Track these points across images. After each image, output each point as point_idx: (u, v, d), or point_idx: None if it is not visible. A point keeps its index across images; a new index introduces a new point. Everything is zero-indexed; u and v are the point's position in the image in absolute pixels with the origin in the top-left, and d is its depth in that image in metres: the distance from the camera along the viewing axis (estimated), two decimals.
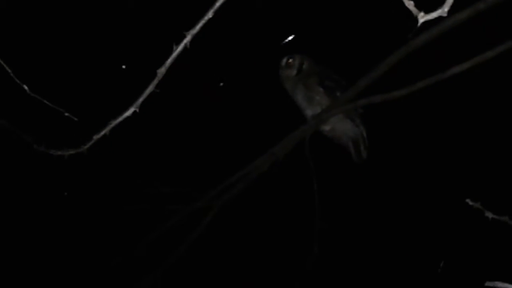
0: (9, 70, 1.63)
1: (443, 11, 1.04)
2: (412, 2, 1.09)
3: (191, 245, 2.86)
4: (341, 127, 2.96)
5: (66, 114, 1.73)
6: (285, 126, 2.88)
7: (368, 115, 2.98)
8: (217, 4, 1.28)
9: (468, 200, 1.46)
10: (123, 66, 3.55)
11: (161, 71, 1.36)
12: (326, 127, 2.95)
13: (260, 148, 2.84)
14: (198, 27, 1.31)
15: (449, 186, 3.48)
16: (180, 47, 1.33)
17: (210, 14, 1.29)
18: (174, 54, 1.34)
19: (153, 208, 2.84)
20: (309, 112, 2.94)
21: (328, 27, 3.64)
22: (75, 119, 1.72)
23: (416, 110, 3.43)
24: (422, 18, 1.07)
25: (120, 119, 1.44)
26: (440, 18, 2.33)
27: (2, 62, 1.63)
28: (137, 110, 1.42)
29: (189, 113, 3.71)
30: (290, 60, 2.98)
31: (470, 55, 2.52)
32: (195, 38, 1.33)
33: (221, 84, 3.76)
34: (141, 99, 1.41)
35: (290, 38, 3.70)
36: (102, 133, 1.48)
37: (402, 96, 2.65)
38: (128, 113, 1.43)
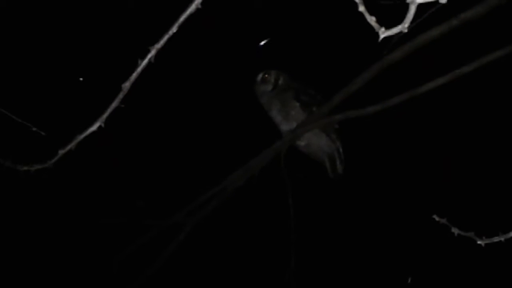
0: None
1: (403, 26, 1.04)
2: (374, 18, 1.09)
3: (166, 261, 2.83)
4: (317, 142, 2.96)
5: (34, 129, 1.71)
6: (260, 141, 2.87)
7: (344, 130, 2.98)
8: (182, 19, 1.27)
9: (435, 216, 1.46)
10: (81, 79, 3.53)
11: (126, 85, 1.35)
12: (302, 142, 2.95)
13: (236, 163, 2.82)
14: (162, 41, 1.30)
15: (417, 201, 3.49)
16: (145, 62, 1.32)
17: (174, 29, 1.28)
18: (139, 68, 1.33)
19: (127, 222, 2.81)
20: (284, 127, 2.94)
21: (301, 40, 3.64)
22: (43, 133, 1.71)
23: (390, 125, 3.44)
24: (383, 33, 1.07)
25: (86, 133, 1.43)
26: (415, 34, 2.35)
27: None
28: (103, 124, 1.41)
29: (163, 128, 3.69)
30: (266, 76, 2.98)
31: (445, 71, 2.54)
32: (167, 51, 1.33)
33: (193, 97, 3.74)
34: (106, 114, 1.40)
35: (265, 41, 3.70)
36: (68, 147, 1.46)
37: (377, 112, 2.66)
38: (94, 127, 1.42)
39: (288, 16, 3.58)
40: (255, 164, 2.84)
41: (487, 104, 3.58)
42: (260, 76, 2.99)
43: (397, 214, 3.65)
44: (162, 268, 2.81)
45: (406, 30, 1.05)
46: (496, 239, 1.38)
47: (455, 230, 1.43)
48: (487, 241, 1.39)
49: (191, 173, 3.58)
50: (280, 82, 2.99)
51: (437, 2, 1.03)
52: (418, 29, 2.53)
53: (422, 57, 2.62)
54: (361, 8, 1.10)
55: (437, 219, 1.46)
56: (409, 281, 3.64)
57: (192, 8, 1.27)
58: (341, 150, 2.98)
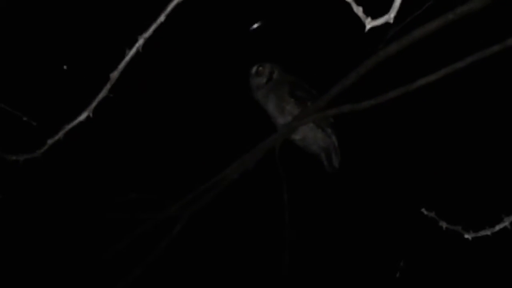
0: None
1: (389, 17, 1.03)
2: (361, 8, 1.09)
3: (161, 254, 2.83)
4: (312, 136, 2.96)
5: (25, 118, 1.71)
6: (255, 134, 2.87)
7: (339, 124, 2.97)
8: (169, 8, 1.27)
9: (423, 210, 1.46)
10: (64, 67, 3.52)
11: (114, 75, 1.35)
12: (297, 136, 2.94)
13: (231, 156, 2.82)
14: (150, 30, 1.30)
15: (407, 195, 3.50)
16: (132, 51, 1.32)
17: (162, 18, 1.28)
18: (127, 58, 1.33)
19: (120, 215, 2.81)
20: (280, 121, 2.94)
21: (295, 33, 3.64)
22: (34, 123, 1.70)
23: (384, 119, 3.44)
24: (369, 24, 1.06)
25: (74, 123, 1.43)
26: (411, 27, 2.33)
27: None
28: (91, 114, 1.40)
29: (157, 119, 3.69)
30: (260, 68, 2.98)
31: (440, 66, 2.53)
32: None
33: (190, 89, 3.73)
34: (94, 104, 1.40)
35: (257, 25, 3.69)
36: (56, 137, 1.46)
37: (372, 106, 2.65)
38: (82, 117, 1.42)
39: (282, 8, 3.57)
40: (250, 157, 2.83)
41: (477, 98, 3.58)
42: (254, 69, 2.99)
43: (388, 208, 3.66)
44: (156, 261, 2.81)
45: (391, 21, 1.05)
46: (482, 233, 1.38)
47: (443, 224, 1.43)
48: (474, 235, 1.39)
49: (185, 166, 3.58)
50: (275, 75, 2.99)
51: None
52: (414, 22, 2.53)
53: (417, 51, 2.61)
54: None
55: (425, 212, 1.45)
56: (398, 273, 3.64)
57: None
58: (336, 144, 2.98)
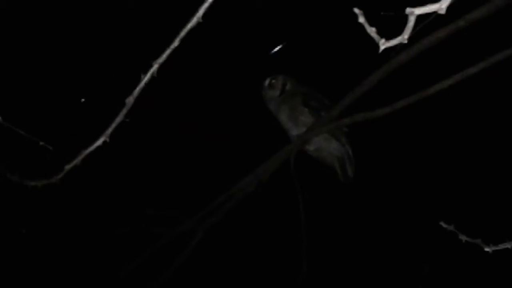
0: None
1: (403, 38, 1.04)
2: (374, 29, 1.10)
3: (179, 269, 2.83)
4: (326, 146, 2.96)
5: (41, 143, 1.72)
6: (269, 146, 2.87)
7: (354, 133, 2.97)
8: (183, 33, 1.28)
9: (442, 223, 1.46)
10: (82, 100, 3.54)
11: (130, 100, 1.36)
12: (311, 147, 2.95)
13: (245, 169, 2.82)
14: (164, 56, 1.31)
15: (425, 207, 3.48)
16: (147, 76, 1.33)
17: (176, 43, 1.29)
18: (142, 83, 1.34)
19: (139, 231, 2.82)
20: (294, 132, 2.94)
21: (306, 45, 3.64)
22: (50, 148, 1.71)
23: (399, 127, 3.43)
24: (383, 45, 1.07)
25: (91, 149, 1.44)
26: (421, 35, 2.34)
27: None
28: (107, 139, 1.42)
29: (171, 135, 3.70)
30: (273, 81, 2.99)
31: (452, 72, 2.53)
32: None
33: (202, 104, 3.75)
34: (110, 129, 1.41)
35: (279, 47, 3.70)
36: (74, 163, 1.47)
37: (386, 114, 2.65)
38: (99, 142, 1.43)
39: (291, 20, 3.58)
40: (264, 169, 2.84)
41: (498, 106, 3.56)
42: (267, 81, 2.99)
43: (406, 219, 3.64)
44: (174, 276, 2.81)
45: (406, 41, 1.05)
46: (503, 246, 1.37)
47: (463, 237, 1.43)
48: (495, 248, 1.38)
49: (200, 180, 3.59)
50: (287, 87, 2.99)
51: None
52: (424, 31, 2.53)
53: (429, 59, 2.61)
54: (361, 19, 1.10)
55: (444, 225, 1.45)
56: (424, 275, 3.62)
57: (193, 22, 1.27)
58: (351, 153, 2.98)
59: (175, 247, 2.81)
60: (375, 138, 3.41)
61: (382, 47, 1.06)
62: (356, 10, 1.10)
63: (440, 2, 0.98)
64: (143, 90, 1.35)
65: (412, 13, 1.00)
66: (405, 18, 1.05)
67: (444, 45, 2.51)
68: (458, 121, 3.60)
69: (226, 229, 2.96)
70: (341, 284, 3.76)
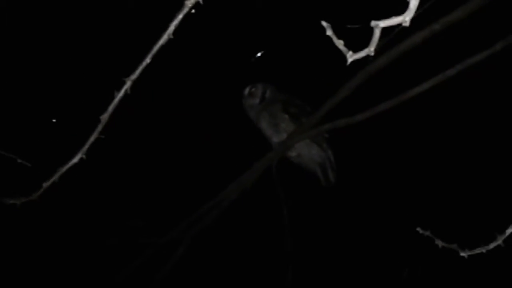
0: None
1: (369, 50, 1.05)
2: (342, 42, 1.11)
3: (166, 277, 2.84)
4: (308, 152, 2.97)
5: (19, 160, 1.72)
6: (252, 154, 2.88)
7: (335, 138, 2.99)
8: (155, 49, 1.28)
9: (418, 229, 1.48)
10: (53, 120, 3.54)
11: (104, 117, 1.36)
12: (293, 153, 2.96)
13: (229, 178, 2.83)
14: (137, 72, 1.31)
15: (403, 214, 3.51)
16: (121, 93, 1.33)
17: (148, 59, 1.30)
18: (116, 100, 1.34)
19: (125, 243, 2.82)
20: (275, 139, 2.95)
21: (285, 51, 3.66)
22: (29, 165, 1.72)
23: (379, 131, 3.46)
24: (350, 57, 1.08)
25: (68, 166, 1.44)
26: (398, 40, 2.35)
27: None
28: (84, 156, 1.42)
29: (153, 146, 3.71)
30: (253, 89, 3.00)
31: (430, 75, 2.55)
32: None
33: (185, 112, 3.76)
34: (86, 146, 1.41)
35: (259, 54, 3.71)
36: (51, 180, 1.47)
37: (365, 119, 2.67)
38: (75, 159, 1.43)
39: (271, 28, 3.59)
40: (247, 177, 2.85)
41: (473, 109, 3.59)
42: (247, 90, 3.01)
43: (385, 226, 3.67)
44: (162, 284, 2.82)
45: (372, 53, 1.06)
46: (477, 250, 1.39)
47: (439, 242, 1.45)
48: (470, 252, 1.41)
49: (184, 190, 3.59)
50: (267, 94, 3.00)
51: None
52: (402, 35, 2.55)
53: (407, 63, 2.63)
54: (329, 32, 1.12)
55: (421, 231, 1.47)
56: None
57: (164, 39, 1.28)
58: (332, 158, 2.99)
59: (163, 256, 2.81)
60: (356, 143, 3.43)
61: (350, 60, 1.08)
62: (324, 23, 1.11)
63: (404, 14, 1.00)
64: (118, 106, 1.36)
65: (377, 25, 1.02)
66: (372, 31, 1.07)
67: (421, 48, 2.53)
68: (436, 127, 3.63)
69: (212, 237, 2.96)
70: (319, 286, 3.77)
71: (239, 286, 3.77)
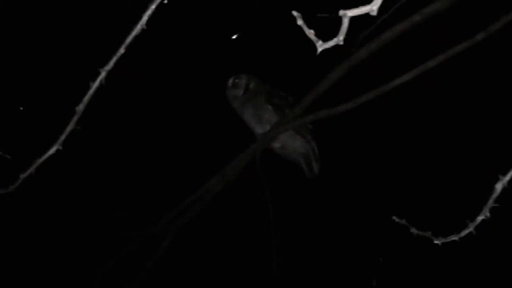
0: None
1: (338, 39, 1.06)
2: (312, 31, 1.12)
3: (151, 270, 2.84)
4: (291, 143, 2.98)
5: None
6: (235, 145, 2.89)
7: (318, 129, 3.00)
8: (128, 40, 1.29)
9: (394, 217, 1.50)
10: (21, 108, 3.53)
11: (80, 108, 1.37)
12: (276, 144, 2.96)
13: (212, 169, 2.84)
14: (112, 63, 1.32)
15: (379, 203, 3.54)
16: (96, 84, 1.34)
17: (122, 50, 1.30)
18: (91, 90, 1.35)
19: (108, 235, 2.82)
20: (258, 130, 2.95)
21: (268, 42, 3.66)
22: (8, 157, 1.72)
23: (361, 122, 3.48)
24: (320, 47, 1.09)
25: (44, 157, 1.45)
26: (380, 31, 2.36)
27: None
28: (60, 147, 1.42)
29: (138, 140, 3.70)
30: (236, 80, 2.99)
31: (411, 66, 2.56)
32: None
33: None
34: (63, 137, 1.41)
35: (237, 35, 3.71)
36: (28, 171, 1.48)
37: (348, 110, 2.68)
38: (52, 151, 1.44)
39: (253, 18, 3.59)
40: (231, 169, 2.85)
41: (450, 100, 3.61)
42: (230, 81, 3.00)
43: (362, 214, 3.70)
44: (146, 278, 2.82)
45: (341, 43, 1.07)
46: (451, 238, 1.42)
47: (414, 230, 1.47)
48: (443, 240, 1.43)
49: (167, 182, 3.59)
50: (251, 86, 3.00)
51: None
52: (383, 26, 2.57)
53: (389, 54, 2.64)
54: (300, 22, 1.12)
55: (396, 220, 1.49)
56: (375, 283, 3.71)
57: (137, 29, 1.28)
58: (316, 150, 3.00)
59: (146, 249, 2.81)
60: (339, 134, 3.44)
61: (319, 49, 1.09)
62: (295, 13, 1.12)
63: (371, 3, 1.01)
64: (94, 97, 1.36)
65: (345, 15, 1.02)
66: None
67: (403, 39, 2.54)
68: (415, 117, 3.65)
69: (196, 229, 2.96)
70: (304, 276, 3.79)
71: (224, 278, 3.78)
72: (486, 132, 3.51)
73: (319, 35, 1.13)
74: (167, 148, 3.71)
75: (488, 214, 1.38)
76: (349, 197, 3.73)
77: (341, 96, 2.66)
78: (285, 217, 2.94)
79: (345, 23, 1.04)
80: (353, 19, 1.08)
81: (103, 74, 1.33)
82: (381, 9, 1.04)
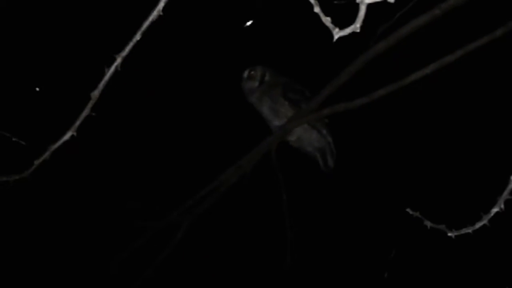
0: None
1: (355, 26, 1.05)
2: (329, 19, 1.11)
3: (165, 260, 2.85)
4: (307, 137, 2.97)
5: (14, 139, 1.73)
6: (251, 137, 2.88)
7: (334, 123, 2.98)
8: (145, 26, 1.29)
9: (408, 210, 1.49)
10: (37, 89, 3.54)
11: (95, 94, 1.37)
12: (292, 138, 2.95)
13: (228, 161, 2.84)
14: (127, 49, 1.31)
15: (393, 195, 3.53)
16: (111, 70, 1.33)
17: (138, 36, 1.30)
18: (106, 77, 1.35)
19: (122, 225, 2.83)
20: (275, 123, 2.95)
21: (285, 34, 3.65)
22: (23, 143, 1.72)
23: (378, 116, 3.46)
24: (337, 34, 1.08)
25: (59, 143, 1.45)
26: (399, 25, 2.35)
27: None
28: (75, 133, 1.42)
29: (154, 129, 3.70)
30: (252, 72, 2.99)
31: (430, 61, 2.54)
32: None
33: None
34: (78, 123, 1.41)
35: (250, 22, 3.70)
36: (43, 157, 1.48)
37: (365, 104, 2.66)
38: (66, 137, 1.44)
39: (271, 10, 3.58)
40: (247, 161, 2.85)
41: (465, 94, 3.59)
42: (246, 73, 3.00)
43: (376, 207, 3.69)
44: (160, 268, 2.83)
45: (358, 30, 1.06)
46: (464, 230, 1.41)
47: (428, 223, 1.46)
48: (457, 233, 1.42)
49: (183, 173, 3.59)
50: (266, 78, 2.99)
51: None
52: (402, 19, 2.55)
53: (407, 48, 2.63)
54: (317, 9, 1.12)
55: (410, 212, 1.48)
56: (386, 274, 3.69)
57: (154, 15, 1.28)
58: (331, 144, 2.99)
59: (161, 239, 2.82)
60: (355, 128, 3.43)
61: (336, 36, 1.08)
62: (311, 0, 1.11)
63: None
64: (108, 83, 1.36)
65: (362, 1, 1.01)
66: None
67: (421, 33, 2.52)
68: (432, 111, 3.63)
69: (210, 221, 2.97)
70: (325, 273, 3.78)
71: (238, 270, 3.78)
72: (501, 125, 3.48)
73: (335, 23, 1.12)
74: (183, 138, 3.71)
75: (502, 207, 1.37)
76: (364, 190, 3.72)
77: (357, 90, 2.64)
78: (299, 209, 2.93)
79: (362, 10, 1.03)
80: (371, 9, 1.07)
81: (118, 60, 1.33)
82: (400, 2, 1.03)
